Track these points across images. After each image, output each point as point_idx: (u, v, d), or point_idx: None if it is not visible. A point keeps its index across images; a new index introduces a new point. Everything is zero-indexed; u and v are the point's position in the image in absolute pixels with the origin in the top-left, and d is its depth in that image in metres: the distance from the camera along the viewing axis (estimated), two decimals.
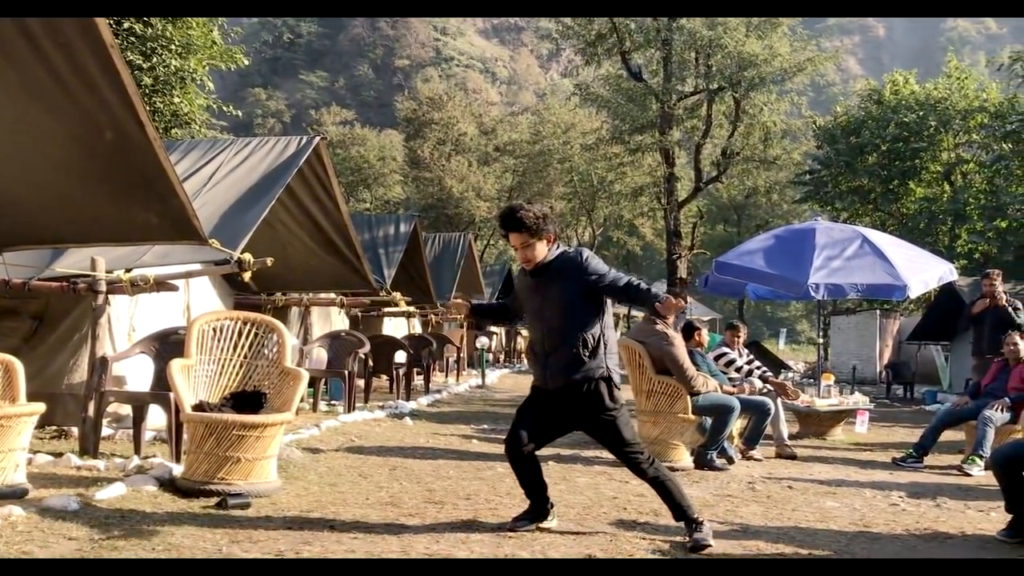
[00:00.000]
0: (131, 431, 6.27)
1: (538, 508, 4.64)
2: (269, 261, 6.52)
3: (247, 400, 5.36)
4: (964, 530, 5.09)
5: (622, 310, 38.96)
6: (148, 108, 5.59)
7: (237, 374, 5.64)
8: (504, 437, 4.72)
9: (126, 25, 14.59)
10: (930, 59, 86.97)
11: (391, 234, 15.25)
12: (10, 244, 6.12)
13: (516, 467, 4.65)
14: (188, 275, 6.89)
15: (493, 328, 25.37)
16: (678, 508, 4.45)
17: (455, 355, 17.12)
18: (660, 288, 23.68)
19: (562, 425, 4.70)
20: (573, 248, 4.62)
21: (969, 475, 7.17)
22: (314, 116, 71.83)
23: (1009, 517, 4.86)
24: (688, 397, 6.97)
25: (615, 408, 4.52)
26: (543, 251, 4.48)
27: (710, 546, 4.30)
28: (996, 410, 7.50)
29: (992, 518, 5.43)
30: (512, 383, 17.49)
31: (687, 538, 4.35)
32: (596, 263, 4.51)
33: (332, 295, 11.08)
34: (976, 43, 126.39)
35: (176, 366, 5.25)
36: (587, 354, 4.44)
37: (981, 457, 7.23)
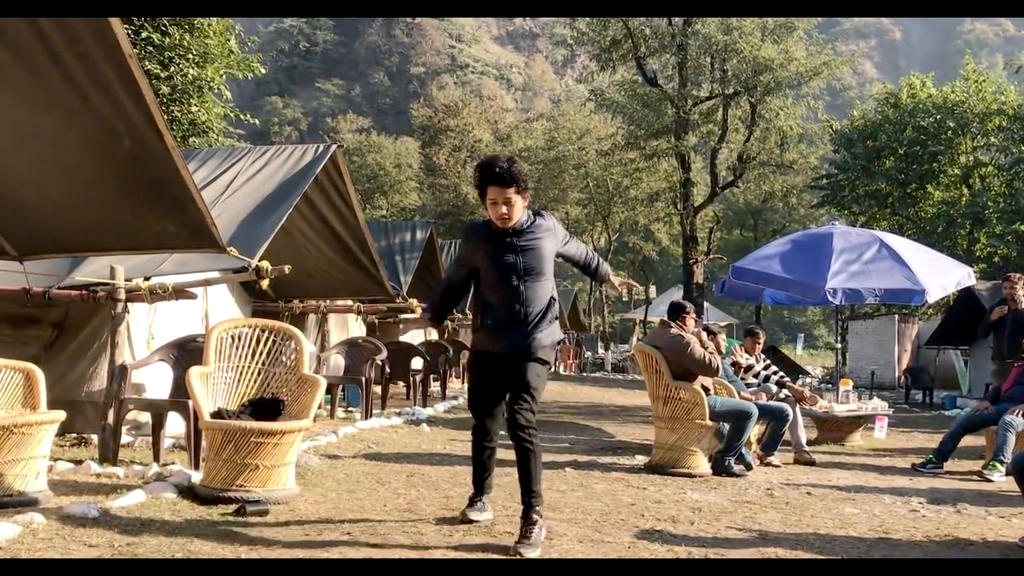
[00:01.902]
0: (150, 438, 6.31)
1: (482, 490, 4.82)
2: (287, 268, 6.55)
3: (265, 407, 5.38)
4: (985, 536, 5.05)
5: (638, 315, 38.88)
6: (166, 117, 5.63)
7: (255, 381, 5.66)
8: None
9: (144, 35, 14.72)
10: (947, 62, 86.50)
11: (407, 241, 15.29)
12: (30, 253, 6.17)
13: (479, 454, 4.74)
14: (206, 283, 6.92)
15: None
16: (529, 490, 4.34)
17: None
18: (677, 295, 23.66)
19: (504, 390, 4.55)
20: (536, 210, 4.56)
21: (990, 481, 7.12)
22: (330, 124, 72.13)
23: None
24: (706, 403, 6.94)
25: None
26: (521, 210, 4.41)
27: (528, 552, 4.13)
28: (1017, 415, 7.44)
29: (1013, 524, 5.38)
30: None
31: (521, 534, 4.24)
32: (561, 226, 4.62)
33: (349, 302, 11.12)
34: (994, 45, 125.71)
35: (195, 373, 5.28)
36: (554, 318, 4.48)
37: (1002, 463, 7.17)
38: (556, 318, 4.49)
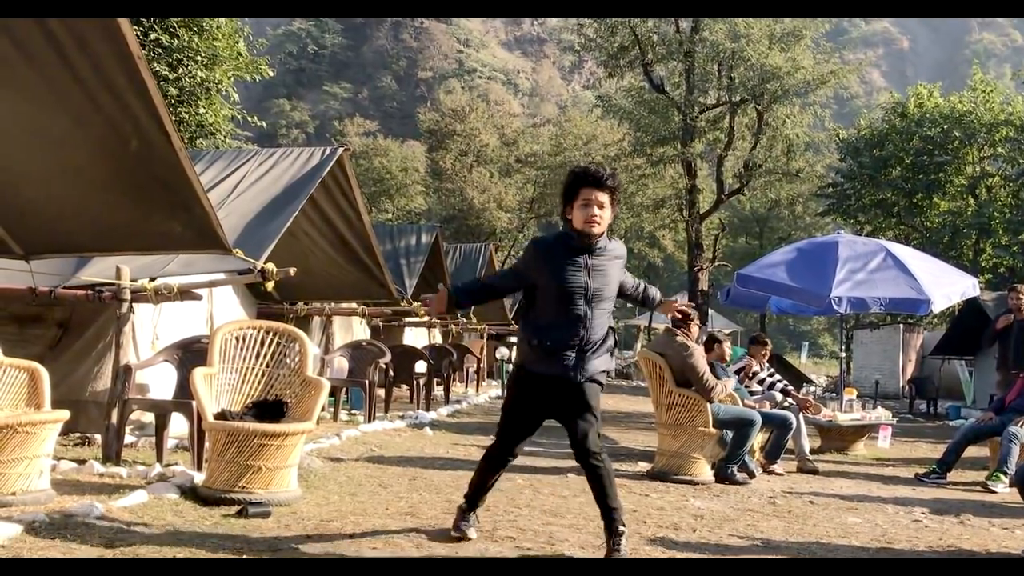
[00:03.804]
0: (153, 439, 6.31)
1: (474, 505, 4.59)
2: (292, 271, 6.56)
3: (269, 409, 5.38)
4: (988, 547, 5.03)
5: (643, 321, 38.86)
6: (174, 118, 5.65)
7: (259, 383, 5.67)
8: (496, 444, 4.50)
9: (153, 36, 14.78)
10: (954, 72, 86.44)
11: (412, 244, 15.32)
12: (36, 252, 6.19)
13: (489, 477, 4.52)
14: (212, 284, 6.94)
15: (514, 339, 25.39)
16: (609, 508, 4.23)
17: (475, 365, 17.15)
18: (683, 298, 23.38)
19: (543, 419, 4.38)
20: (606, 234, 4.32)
21: (993, 492, 7.10)
22: (337, 127, 72.17)
23: None
24: (709, 410, 6.93)
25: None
26: (608, 222, 4.21)
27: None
28: (1021, 426, 7.43)
29: (1017, 536, 5.37)
30: None
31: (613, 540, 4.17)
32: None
33: (354, 305, 11.13)
34: (1002, 56, 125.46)
35: (199, 374, 5.28)
36: (611, 347, 4.30)
37: (1006, 474, 7.15)
38: (613, 347, 4.31)
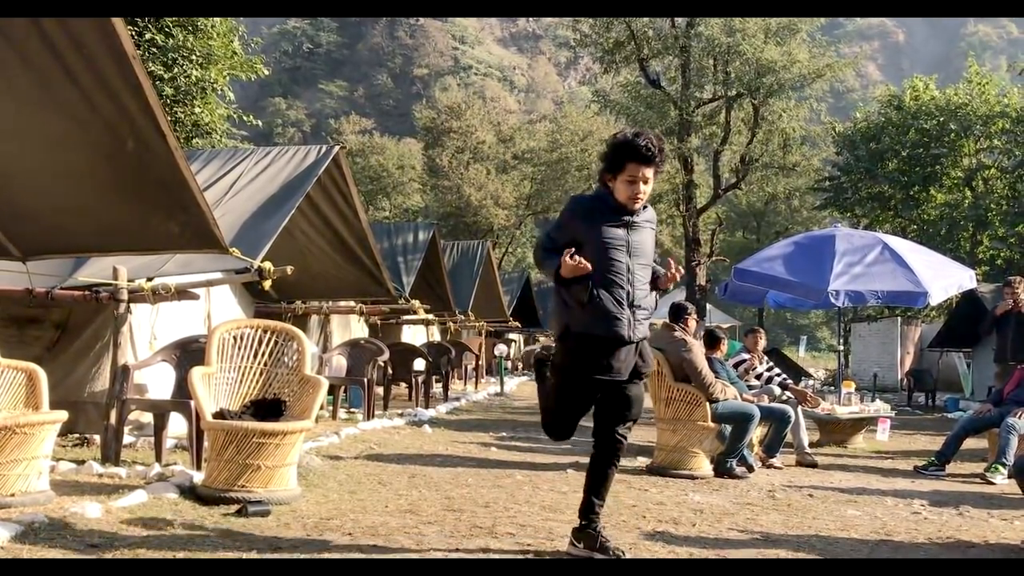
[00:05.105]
0: (152, 439, 6.31)
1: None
2: (289, 270, 6.56)
3: (267, 408, 5.38)
4: (987, 539, 5.04)
5: None
6: (169, 118, 5.65)
7: (257, 382, 5.66)
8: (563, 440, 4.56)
9: (148, 36, 14.76)
10: (950, 64, 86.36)
11: (410, 242, 15.32)
12: (33, 253, 6.18)
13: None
14: (209, 284, 6.93)
15: (512, 336, 25.42)
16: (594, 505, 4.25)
17: (474, 363, 17.16)
18: (679, 297, 23.44)
19: (597, 393, 4.24)
20: None
21: (992, 483, 7.11)
22: (333, 125, 72.16)
23: None
24: (708, 404, 6.94)
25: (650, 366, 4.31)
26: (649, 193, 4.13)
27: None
28: (1019, 417, 7.43)
29: (1016, 527, 5.38)
30: (531, 391, 17.47)
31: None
32: None
33: (352, 303, 11.13)
34: (997, 48, 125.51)
35: (197, 374, 5.28)
36: (652, 311, 4.22)
37: (1004, 465, 7.16)
38: (652, 310, 4.21)
